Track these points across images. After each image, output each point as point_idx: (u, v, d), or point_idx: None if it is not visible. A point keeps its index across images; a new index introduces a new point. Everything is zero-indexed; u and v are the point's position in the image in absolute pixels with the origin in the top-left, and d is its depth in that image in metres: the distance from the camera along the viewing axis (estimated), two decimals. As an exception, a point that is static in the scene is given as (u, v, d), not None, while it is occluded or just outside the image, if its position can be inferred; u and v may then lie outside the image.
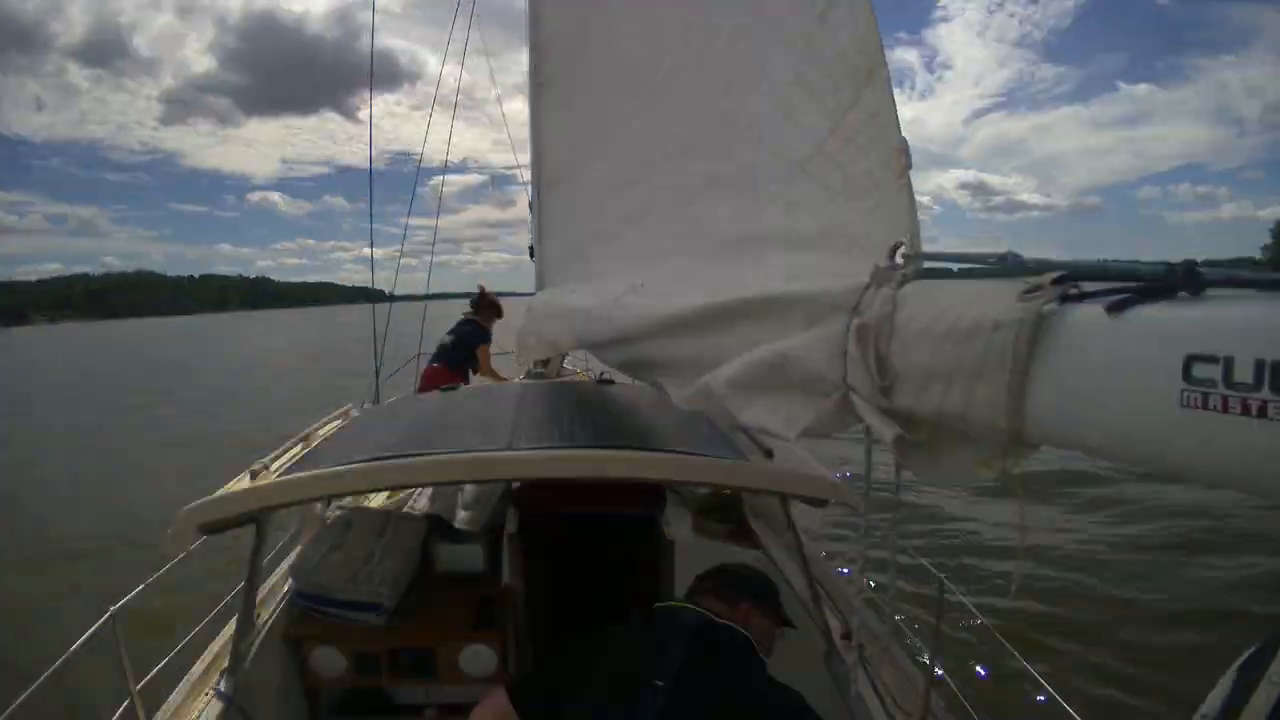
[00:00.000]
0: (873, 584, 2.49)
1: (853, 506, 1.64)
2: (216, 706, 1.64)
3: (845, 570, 2.50)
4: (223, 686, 1.68)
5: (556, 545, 2.38)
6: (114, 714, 1.54)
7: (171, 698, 1.71)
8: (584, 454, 1.51)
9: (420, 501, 2.74)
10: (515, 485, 2.53)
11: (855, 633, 2.01)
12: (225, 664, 1.74)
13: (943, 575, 1.81)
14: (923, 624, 2.75)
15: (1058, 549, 5.80)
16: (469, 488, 2.58)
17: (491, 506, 2.51)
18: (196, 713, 1.64)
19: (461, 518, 2.46)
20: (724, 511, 2.84)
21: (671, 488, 2.48)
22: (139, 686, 1.61)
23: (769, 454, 1.57)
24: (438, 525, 2.37)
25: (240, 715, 1.67)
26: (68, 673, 1.47)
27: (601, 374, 3.15)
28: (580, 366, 5.55)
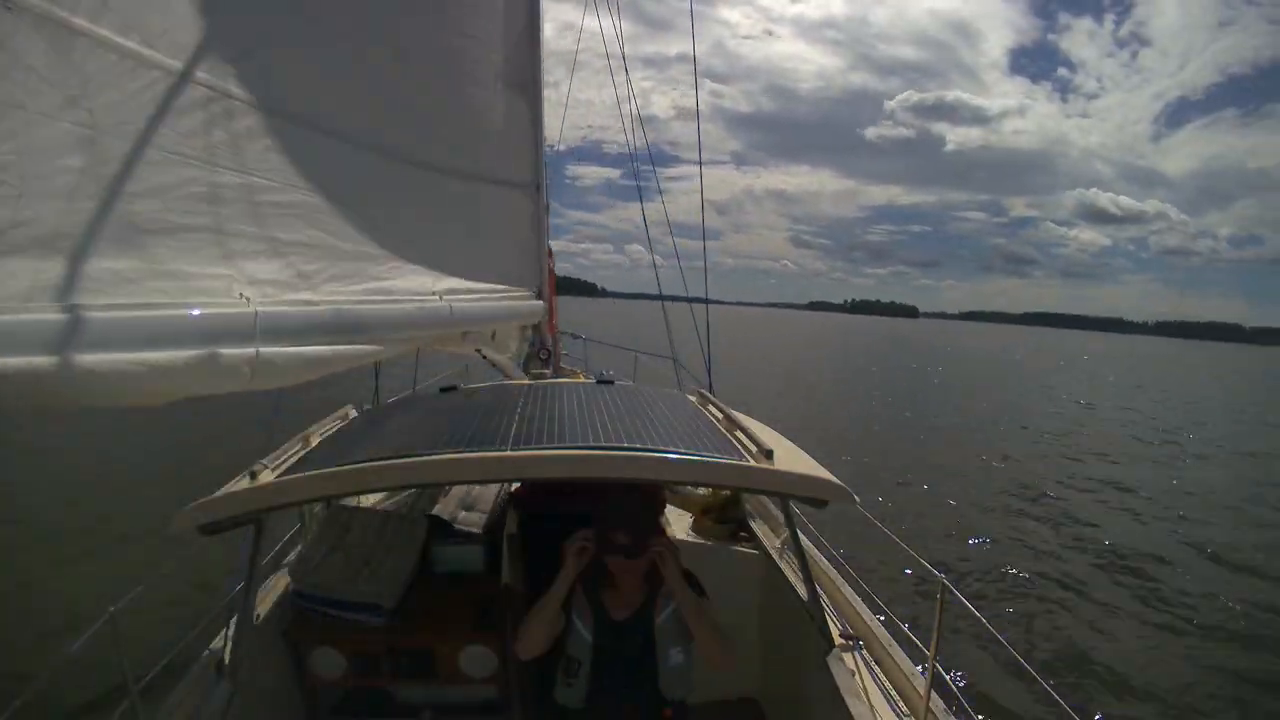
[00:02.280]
0: (872, 584, 2.49)
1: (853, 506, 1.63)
2: (216, 706, 1.63)
3: (845, 570, 2.50)
4: (222, 686, 1.68)
5: (556, 546, 2.37)
6: (114, 714, 1.54)
7: (171, 698, 1.70)
8: (583, 454, 1.50)
9: (420, 502, 2.74)
10: (515, 486, 2.53)
11: (855, 633, 2.01)
12: (225, 664, 1.73)
13: (943, 575, 1.80)
14: (923, 624, 2.75)
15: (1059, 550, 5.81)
16: (469, 488, 2.58)
17: (491, 507, 2.51)
18: (196, 712, 1.64)
19: (461, 518, 2.45)
20: (724, 511, 2.84)
21: (672, 488, 2.47)
22: (139, 686, 1.60)
23: (769, 454, 1.56)
24: (437, 526, 2.37)
25: (240, 715, 1.67)
26: (68, 672, 1.46)
27: (601, 374, 3.16)
28: (579, 367, 5.55)
